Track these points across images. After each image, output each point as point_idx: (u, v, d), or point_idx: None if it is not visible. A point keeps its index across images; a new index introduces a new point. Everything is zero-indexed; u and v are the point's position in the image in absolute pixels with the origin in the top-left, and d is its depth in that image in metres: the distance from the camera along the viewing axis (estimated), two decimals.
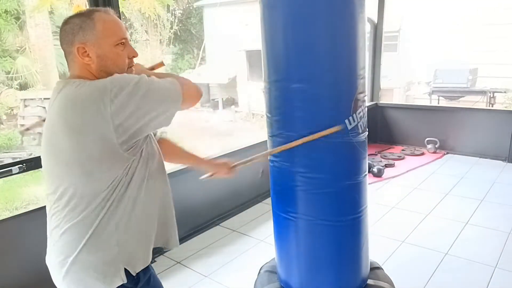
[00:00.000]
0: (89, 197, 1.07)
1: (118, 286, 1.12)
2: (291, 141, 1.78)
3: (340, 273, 1.97)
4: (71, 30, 1.10)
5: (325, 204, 1.85)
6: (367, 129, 1.93)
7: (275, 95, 1.85)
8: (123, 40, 1.13)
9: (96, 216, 1.08)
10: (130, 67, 1.17)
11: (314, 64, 1.73)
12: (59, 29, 1.14)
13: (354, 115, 1.79)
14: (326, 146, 1.78)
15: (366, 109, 1.92)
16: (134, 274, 1.15)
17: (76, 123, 1.03)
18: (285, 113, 1.82)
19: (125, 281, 1.13)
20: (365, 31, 1.83)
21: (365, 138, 1.91)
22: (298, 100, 1.76)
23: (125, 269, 1.13)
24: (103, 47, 1.10)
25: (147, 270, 1.21)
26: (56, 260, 1.13)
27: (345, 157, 1.85)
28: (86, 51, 1.09)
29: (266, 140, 1.98)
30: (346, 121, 1.77)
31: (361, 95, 1.83)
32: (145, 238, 1.19)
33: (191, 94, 1.21)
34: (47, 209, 1.16)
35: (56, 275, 1.15)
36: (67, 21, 1.11)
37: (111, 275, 1.11)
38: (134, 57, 1.17)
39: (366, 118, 1.91)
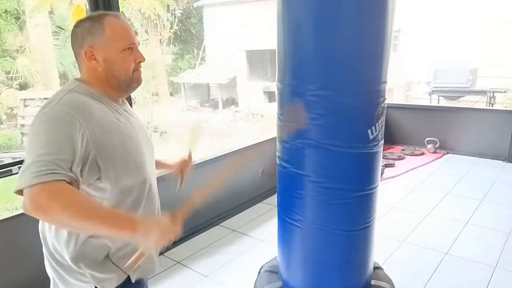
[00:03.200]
0: None
1: None
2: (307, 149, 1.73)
3: (348, 279, 1.95)
4: (81, 33, 1.12)
5: (338, 214, 1.79)
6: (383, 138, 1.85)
7: (291, 99, 1.74)
8: (131, 45, 1.15)
9: None
10: (137, 70, 1.18)
11: (338, 70, 1.61)
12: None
13: (377, 124, 1.71)
14: (346, 156, 1.70)
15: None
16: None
17: None
18: None
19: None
20: (393, 34, 1.71)
21: (382, 146, 1.83)
22: (319, 108, 1.64)
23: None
24: (111, 51, 1.12)
25: None
26: None
27: (364, 167, 1.78)
28: (93, 55, 1.11)
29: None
30: (369, 131, 1.68)
31: (384, 103, 1.75)
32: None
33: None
34: None
35: None
36: (78, 24, 1.14)
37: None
38: (141, 62, 1.18)
39: (384, 127, 1.82)
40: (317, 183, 1.75)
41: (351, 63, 1.62)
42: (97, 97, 1.11)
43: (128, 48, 1.14)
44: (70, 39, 1.15)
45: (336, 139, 1.67)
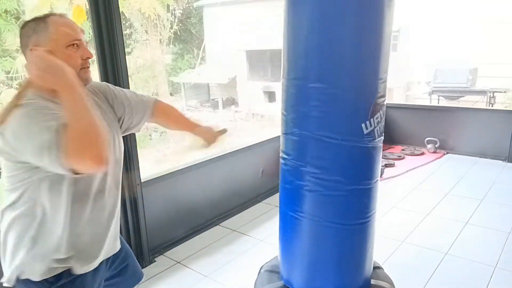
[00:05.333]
0: None
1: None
2: (304, 140, 1.78)
3: (344, 275, 1.95)
4: (26, 33, 1.12)
5: (333, 206, 1.82)
6: (383, 134, 1.86)
7: (292, 93, 1.82)
8: (76, 42, 1.14)
9: None
10: (84, 67, 1.16)
11: (335, 64, 1.68)
12: None
13: (372, 119, 1.73)
14: (341, 149, 1.74)
15: (385, 113, 1.86)
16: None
17: None
18: (301, 111, 1.78)
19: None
20: (392, 31, 1.76)
21: (381, 143, 1.85)
22: (315, 100, 1.72)
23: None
24: (55, 48, 1.10)
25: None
26: None
27: (358, 162, 1.80)
28: None
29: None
30: (363, 125, 1.71)
31: (381, 99, 1.77)
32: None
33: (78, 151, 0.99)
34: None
35: None
36: (23, 25, 1.14)
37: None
38: (88, 58, 1.17)
39: (383, 123, 1.84)
40: (313, 174, 1.79)
41: (346, 59, 1.69)
42: (51, 99, 1.10)
43: (74, 45, 1.13)
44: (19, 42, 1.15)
45: (330, 131, 1.72)
